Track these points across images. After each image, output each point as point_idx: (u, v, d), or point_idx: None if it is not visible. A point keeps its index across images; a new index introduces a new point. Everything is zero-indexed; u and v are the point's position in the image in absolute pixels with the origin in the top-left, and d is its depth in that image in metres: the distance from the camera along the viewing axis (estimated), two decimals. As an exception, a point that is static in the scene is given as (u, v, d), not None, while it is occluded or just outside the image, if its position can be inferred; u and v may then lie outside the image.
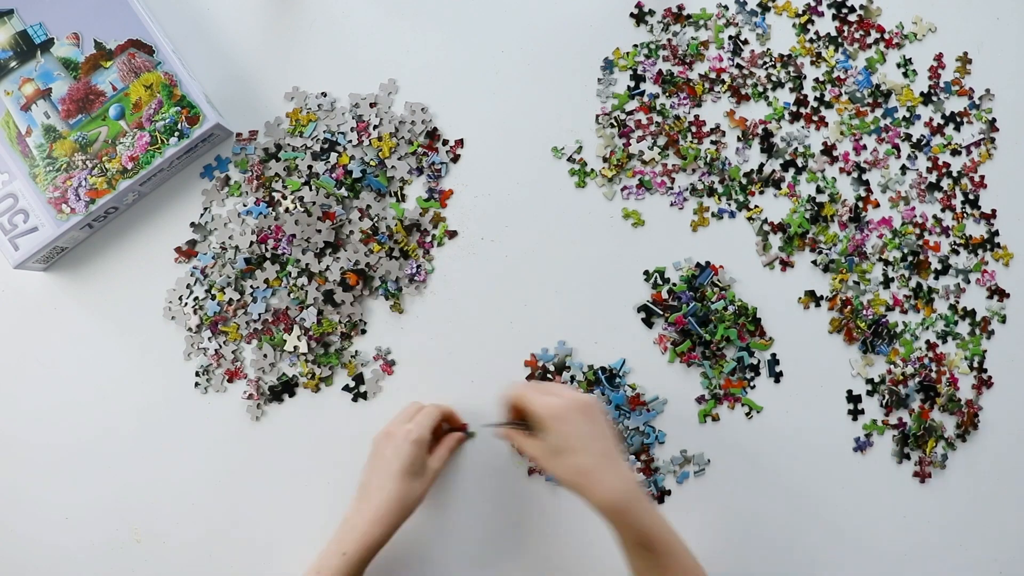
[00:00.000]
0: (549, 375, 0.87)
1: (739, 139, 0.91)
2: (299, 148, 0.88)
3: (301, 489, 0.85)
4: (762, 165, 0.91)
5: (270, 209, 0.87)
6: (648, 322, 0.88)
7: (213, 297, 0.86)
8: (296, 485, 0.85)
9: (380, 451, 0.77)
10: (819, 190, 0.91)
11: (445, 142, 0.89)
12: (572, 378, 0.87)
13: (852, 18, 0.94)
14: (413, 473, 0.76)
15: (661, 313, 0.88)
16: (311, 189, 0.87)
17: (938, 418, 0.90)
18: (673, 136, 0.90)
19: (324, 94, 0.89)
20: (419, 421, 0.78)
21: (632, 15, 0.92)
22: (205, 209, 0.87)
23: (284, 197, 0.87)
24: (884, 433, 0.89)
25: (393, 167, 0.88)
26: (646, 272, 0.89)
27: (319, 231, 0.86)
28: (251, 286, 0.86)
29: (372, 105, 0.89)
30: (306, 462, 0.86)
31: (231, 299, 0.86)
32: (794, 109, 0.92)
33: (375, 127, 0.88)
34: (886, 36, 0.94)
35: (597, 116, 0.91)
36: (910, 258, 0.91)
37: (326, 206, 0.87)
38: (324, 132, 0.88)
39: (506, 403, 0.77)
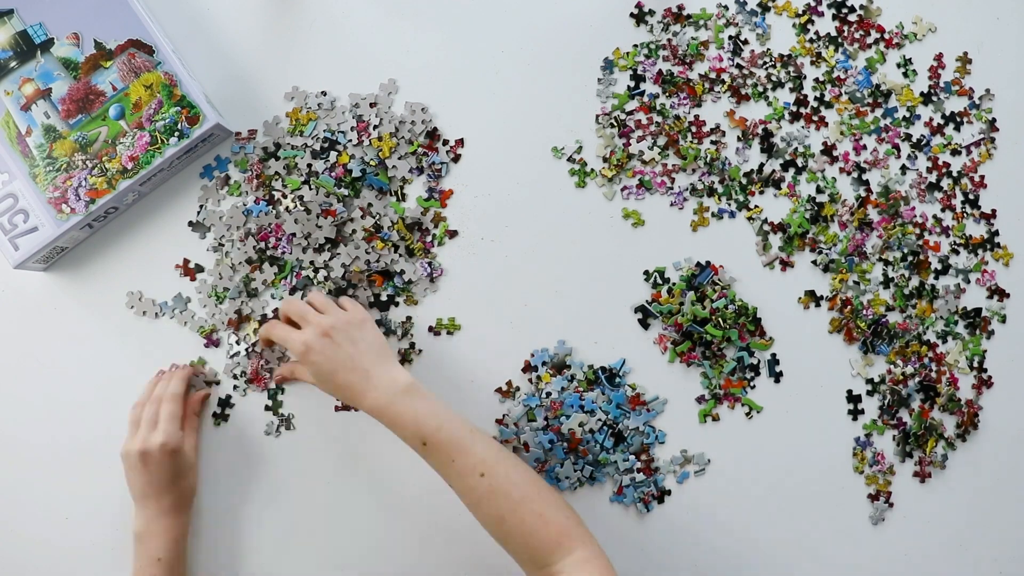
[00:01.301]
0: (548, 372, 0.87)
1: (739, 139, 0.91)
2: (299, 147, 0.88)
3: (301, 489, 0.85)
4: (762, 165, 0.91)
5: (270, 207, 0.87)
6: (644, 323, 0.88)
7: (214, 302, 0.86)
8: (297, 485, 0.85)
9: (141, 468, 0.78)
10: (819, 190, 0.91)
11: (445, 142, 0.89)
12: (572, 377, 0.87)
13: (852, 18, 0.94)
14: (181, 473, 0.79)
15: (657, 315, 0.88)
16: (311, 188, 0.87)
17: (938, 418, 0.90)
18: (673, 136, 0.90)
19: (324, 93, 0.89)
20: (166, 429, 0.78)
21: (632, 15, 0.92)
22: (201, 206, 0.87)
23: (284, 196, 0.87)
24: (884, 433, 0.89)
25: (394, 167, 0.88)
26: (646, 272, 0.89)
27: (319, 227, 0.86)
28: (259, 286, 0.86)
29: (372, 105, 0.89)
30: (308, 461, 0.86)
31: (241, 304, 0.86)
32: (794, 109, 0.92)
33: (375, 127, 0.88)
34: (886, 36, 0.94)
35: (597, 116, 0.91)
36: (910, 258, 0.91)
37: (326, 204, 0.87)
38: (324, 131, 0.88)
39: (262, 339, 0.80)
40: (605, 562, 0.69)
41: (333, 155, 0.88)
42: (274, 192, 0.87)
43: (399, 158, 0.88)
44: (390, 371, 0.74)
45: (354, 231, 0.87)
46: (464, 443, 0.72)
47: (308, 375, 0.76)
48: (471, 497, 0.71)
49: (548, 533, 0.69)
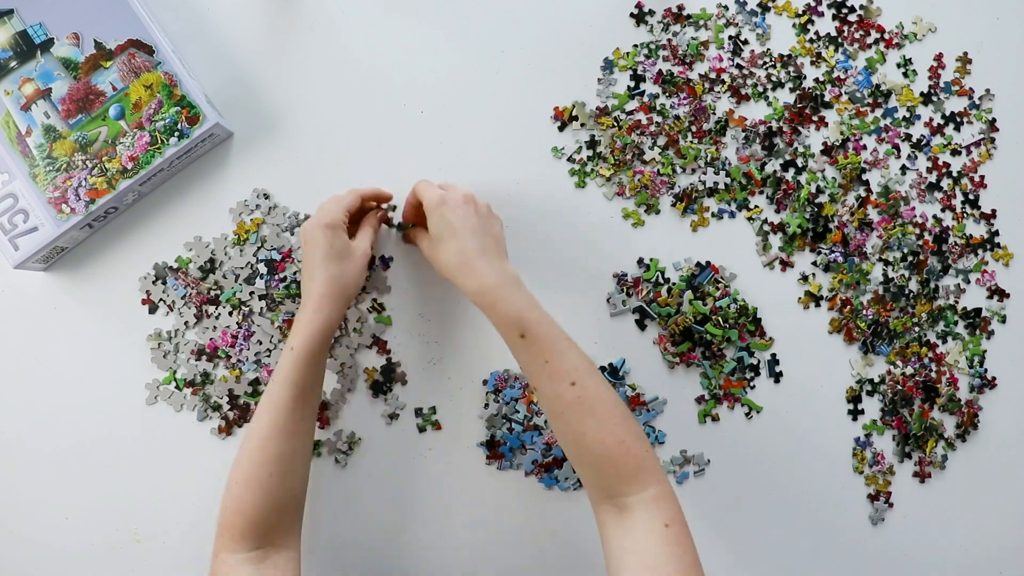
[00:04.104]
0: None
1: (746, 139, 0.91)
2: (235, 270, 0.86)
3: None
4: (763, 165, 0.91)
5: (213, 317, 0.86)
6: (641, 324, 0.88)
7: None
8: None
9: (303, 247, 0.77)
10: (819, 190, 0.91)
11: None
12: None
13: (852, 18, 0.94)
14: (336, 256, 0.76)
15: (655, 316, 0.88)
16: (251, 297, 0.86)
17: (938, 418, 0.90)
18: (673, 136, 0.90)
19: (266, 196, 0.87)
20: (326, 207, 0.78)
21: (632, 15, 0.92)
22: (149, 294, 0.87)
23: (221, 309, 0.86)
24: (884, 433, 0.89)
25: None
26: (640, 260, 0.89)
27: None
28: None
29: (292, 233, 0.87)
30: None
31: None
32: (794, 109, 0.92)
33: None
34: (886, 36, 0.94)
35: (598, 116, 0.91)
36: (910, 258, 0.91)
37: (288, 315, 0.85)
38: (268, 248, 0.86)
39: (411, 196, 0.81)
40: (677, 506, 0.65)
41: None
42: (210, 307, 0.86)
43: None
44: (504, 262, 0.74)
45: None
46: (560, 346, 0.69)
47: (425, 238, 0.77)
48: (556, 405, 0.67)
49: (626, 462, 0.65)
